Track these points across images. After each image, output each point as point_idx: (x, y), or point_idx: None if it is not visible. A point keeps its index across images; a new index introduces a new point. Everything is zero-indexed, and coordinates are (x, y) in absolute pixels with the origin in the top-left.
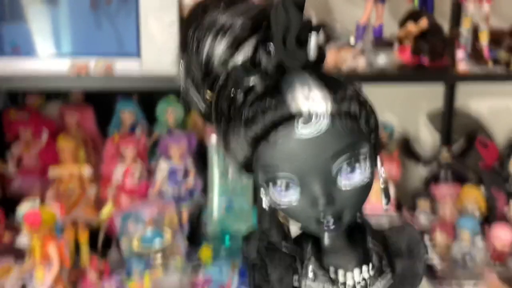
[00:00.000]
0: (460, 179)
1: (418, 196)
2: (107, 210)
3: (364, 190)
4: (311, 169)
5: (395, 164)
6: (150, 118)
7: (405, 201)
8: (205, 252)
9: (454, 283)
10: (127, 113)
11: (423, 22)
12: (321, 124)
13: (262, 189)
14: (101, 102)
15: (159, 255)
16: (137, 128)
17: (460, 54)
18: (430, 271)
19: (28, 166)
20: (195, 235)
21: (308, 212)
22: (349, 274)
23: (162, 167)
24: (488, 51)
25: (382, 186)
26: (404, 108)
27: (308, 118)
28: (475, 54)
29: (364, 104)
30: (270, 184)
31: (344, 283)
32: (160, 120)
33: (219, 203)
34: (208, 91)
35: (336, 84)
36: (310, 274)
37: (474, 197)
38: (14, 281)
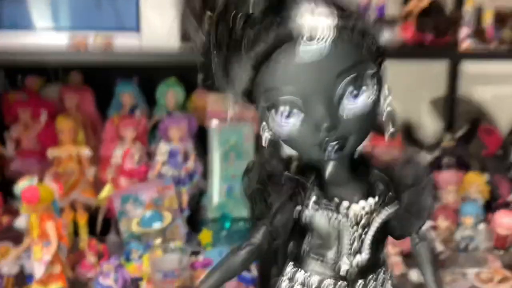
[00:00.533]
0: (463, 166)
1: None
2: (106, 191)
3: (369, 117)
4: (315, 91)
5: (397, 150)
6: (150, 102)
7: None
8: (205, 235)
9: (457, 269)
10: (127, 95)
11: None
12: (326, 41)
13: (262, 124)
14: (101, 85)
15: (159, 239)
16: (137, 111)
17: (463, 32)
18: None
19: (27, 148)
20: (195, 220)
21: (311, 139)
22: (354, 206)
23: (162, 149)
24: (492, 30)
25: (387, 110)
26: (407, 95)
27: (313, 35)
28: (479, 34)
29: (369, 26)
30: (272, 111)
31: (348, 213)
32: (160, 103)
33: (219, 188)
34: (208, 14)
35: (342, 3)
36: (313, 204)
37: (477, 184)
38: (11, 262)
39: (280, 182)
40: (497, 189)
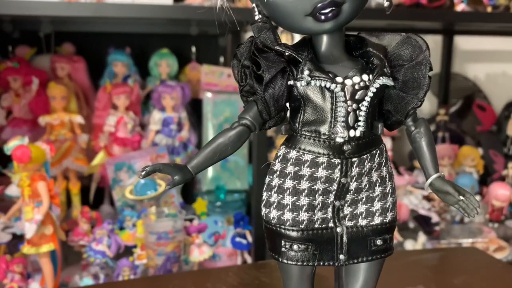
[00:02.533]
0: (457, 140)
1: (415, 157)
2: (99, 158)
3: None
4: None
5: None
6: (143, 75)
7: (402, 162)
8: (200, 204)
9: (452, 240)
10: (120, 65)
11: None
12: None
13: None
14: (93, 55)
15: (153, 207)
16: (130, 79)
17: None
18: (428, 228)
19: (18, 117)
20: (189, 193)
21: (302, 6)
22: (348, 80)
23: (156, 118)
24: None
25: None
26: None
27: None
28: (474, 0)
29: None
30: None
31: (343, 83)
32: (153, 74)
33: None
34: None
35: None
36: (306, 76)
37: (472, 157)
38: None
39: (271, 55)
40: (491, 164)
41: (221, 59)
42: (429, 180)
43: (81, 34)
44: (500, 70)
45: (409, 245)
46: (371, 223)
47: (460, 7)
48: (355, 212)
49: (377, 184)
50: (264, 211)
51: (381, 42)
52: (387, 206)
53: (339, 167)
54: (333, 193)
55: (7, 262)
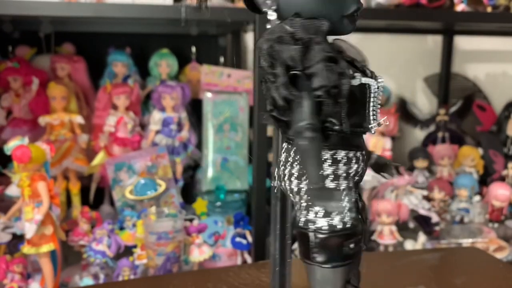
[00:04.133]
0: (457, 140)
1: (416, 157)
2: (99, 158)
3: None
4: None
5: (392, 119)
6: (143, 75)
7: (402, 162)
8: (200, 204)
9: (452, 240)
10: (120, 65)
11: None
12: None
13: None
14: (93, 55)
15: (153, 207)
16: (130, 79)
17: None
18: (428, 228)
19: (18, 117)
20: (189, 193)
21: (350, 5)
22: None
23: (156, 118)
24: None
25: None
26: (402, 73)
27: None
28: (474, 0)
29: None
30: None
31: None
32: (153, 74)
33: (213, 160)
34: None
35: None
36: (356, 74)
37: (471, 157)
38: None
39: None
40: (491, 164)
41: (221, 59)
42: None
43: (81, 34)
44: (500, 70)
45: (409, 245)
46: (362, 204)
47: (460, 7)
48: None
49: None
50: (324, 222)
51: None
52: None
53: (365, 157)
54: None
55: (7, 262)
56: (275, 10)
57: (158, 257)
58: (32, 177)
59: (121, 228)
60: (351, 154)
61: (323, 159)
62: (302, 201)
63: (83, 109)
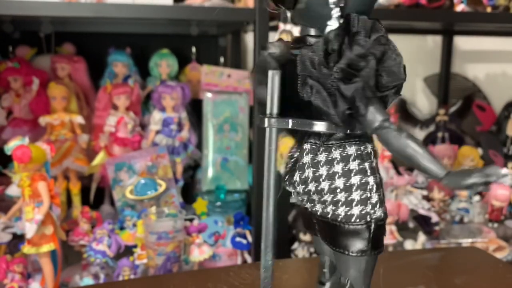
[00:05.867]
0: (457, 140)
1: None
2: (99, 158)
3: None
4: None
5: (392, 119)
6: (143, 75)
7: (402, 162)
8: (200, 204)
9: (452, 240)
10: (120, 65)
11: None
12: None
13: None
14: (94, 55)
15: (153, 207)
16: (130, 80)
17: None
18: (428, 228)
19: (19, 117)
20: (189, 193)
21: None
22: None
23: (156, 118)
24: None
25: None
26: None
27: None
28: (474, 1)
29: None
30: None
31: None
32: (153, 74)
33: (213, 160)
34: None
35: None
36: None
37: (471, 157)
38: (1, 228)
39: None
40: (491, 164)
41: (221, 59)
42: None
43: (81, 34)
44: (500, 70)
45: (409, 245)
46: None
47: (460, 7)
48: None
49: None
50: (372, 209)
51: None
52: None
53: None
54: None
55: (7, 262)
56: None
57: (158, 257)
58: (32, 177)
59: (121, 228)
60: (369, 149)
61: (360, 154)
62: (350, 196)
63: (84, 109)
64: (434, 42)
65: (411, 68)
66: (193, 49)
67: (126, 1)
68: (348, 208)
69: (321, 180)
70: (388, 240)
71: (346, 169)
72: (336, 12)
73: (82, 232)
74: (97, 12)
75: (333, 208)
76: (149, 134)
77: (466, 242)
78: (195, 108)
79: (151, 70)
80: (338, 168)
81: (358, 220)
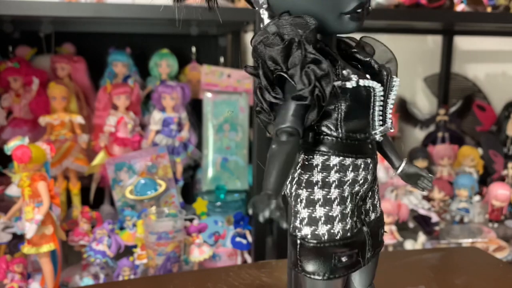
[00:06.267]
0: (457, 140)
1: (416, 157)
2: (99, 158)
3: None
4: None
5: (392, 119)
6: (143, 75)
7: None
8: (200, 204)
9: (452, 240)
10: (120, 65)
11: None
12: None
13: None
14: (94, 55)
15: (153, 207)
16: (130, 79)
17: None
18: (428, 228)
19: (19, 117)
20: (189, 192)
21: (348, 1)
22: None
23: (156, 118)
24: None
25: None
26: (402, 72)
27: None
28: (474, 1)
29: None
30: None
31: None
32: (153, 74)
33: (213, 160)
34: None
35: None
36: (352, 76)
37: (471, 157)
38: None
39: (326, 54)
40: (491, 164)
41: (221, 59)
42: (401, 167)
43: (81, 34)
44: (500, 70)
45: (409, 245)
46: (377, 215)
47: (460, 7)
48: (366, 208)
49: (376, 178)
50: (307, 230)
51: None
52: (379, 196)
53: (371, 166)
54: (364, 193)
55: (7, 262)
56: (267, 9)
57: (158, 257)
58: (32, 177)
59: (121, 228)
60: (347, 161)
61: (313, 165)
62: (293, 206)
63: (83, 109)
64: (434, 42)
65: (411, 68)
66: (193, 49)
67: (126, 1)
68: (292, 217)
69: (288, 182)
70: (388, 240)
71: (310, 179)
72: (263, 14)
73: (82, 232)
74: (97, 12)
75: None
76: (149, 134)
77: (466, 242)
78: (195, 108)
79: (151, 70)
80: (295, 174)
81: (291, 231)
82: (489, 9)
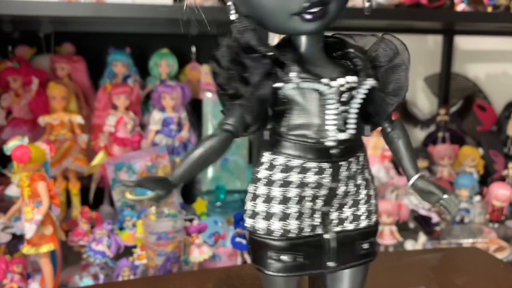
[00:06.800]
0: (457, 140)
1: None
2: (98, 158)
3: None
4: None
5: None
6: (143, 75)
7: None
8: (200, 205)
9: (452, 240)
10: (119, 65)
11: None
12: None
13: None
14: (93, 55)
15: (153, 207)
16: (130, 79)
17: None
18: (428, 228)
19: (18, 117)
20: (189, 193)
21: (289, 6)
22: (333, 82)
23: (156, 118)
24: None
25: None
26: None
27: None
28: (474, 0)
29: None
30: None
31: (330, 85)
32: (153, 74)
33: None
34: None
35: None
36: (295, 78)
37: (472, 157)
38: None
39: (255, 56)
40: (492, 164)
41: None
42: (412, 180)
43: (81, 34)
44: (500, 70)
45: (409, 245)
46: (358, 227)
47: (460, 7)
48: (341, 216)
49: (362, 187)
50: (249, 222)
51: (357, 43)
52: (371, 209)
53: (328, 171)
54: (322, 198)
55: (6, 262)
56: (233, 8)
57: (158, 257)
58: (32, 177)
59: (121, 228)
60: (294, 163)
61: (262, 162)
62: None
63: (83, 109)
64: (434, 41)
65: (412, 68)
66: (193, 49)
67: (126, 1)
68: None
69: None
70: (388, 240)
71: (256, 175)
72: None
73: (81, 232)
74: (97, 12)
75: None
76: (149, 134)
77: (466, 242)
78: (195, 108)
79: (151, 70)
80: (254, 170)
81: (248, 227)
82: (489, 9)
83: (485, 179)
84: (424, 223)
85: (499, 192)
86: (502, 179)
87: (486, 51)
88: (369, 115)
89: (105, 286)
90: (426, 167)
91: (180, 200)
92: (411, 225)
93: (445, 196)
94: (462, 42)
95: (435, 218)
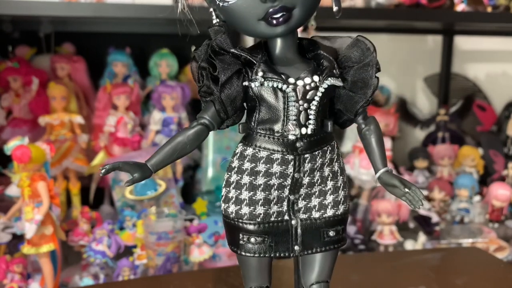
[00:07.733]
0: (457, 140)
1: (416, 157)
2: (99, 158)
3: None
4: None
5: (392, 119)
6: (143, 75)
7: (402, 162)
8: (200, 204)
9: (452, 240)
10: (120, 65)
11: None
12: None
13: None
14: (93, 55)
15: (153, 207)
16: (130, 79)
17: None
18: (428, 228)
19: (18, 117)
20: (189, 193)
21: (255, 11)
22: (299, 81)
23: (156, 118)
24: None
25: None
26: (401, 73)
27: None
28: (474, 1)
29: None
30: None
31: (295, 84)
32: (153, 74)
33: (213, 160)
34: None
35: None
36: (260, 77)
37: (472, 157)
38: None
39: (227, 58)
40: (491, 164)
41: None
42: (378, 174)
43: (81, 34)
44: (500, 70)
45: (409, 245)
46: (324, 215)
47: (460, 7)
48: (309, 205)
49: (329, 178)
50: (223, 206)
51: (332, 45)
52: (339, 199)
53: (292, 163)
54: (288, 187)
55: (7, 262)
56: (215, 11)
57: (158, 257)
58: (32, 177)
59: (121, 228)
60: (261, 154)
61: (236, 153)
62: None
63: (83, 109)
64: (434, 42)
65: (411, 68)
66: (193, 49)
67: (126, 1)
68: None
69: None
70: (388, 240)
71: (231, 165)
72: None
73: (81, 232)
74: (97, 12)
75: None
76: (149, 134)
77: (466, 242)
78: (195, 108)
79: (151, 70)
80: (230, 160)
81: (222, 211)
82: (489, 9)
83: (485, 179)
84: (424, 223)
85: (499, 192)
86: (502, 179)
87: (486, 51)
88: (341, 112)
89: (105, 286)
90: (426, 167)
91: (180, 200)
92: (411, 225)
93: (407, 190)
94: (462, 42)
95: (435, 218)
